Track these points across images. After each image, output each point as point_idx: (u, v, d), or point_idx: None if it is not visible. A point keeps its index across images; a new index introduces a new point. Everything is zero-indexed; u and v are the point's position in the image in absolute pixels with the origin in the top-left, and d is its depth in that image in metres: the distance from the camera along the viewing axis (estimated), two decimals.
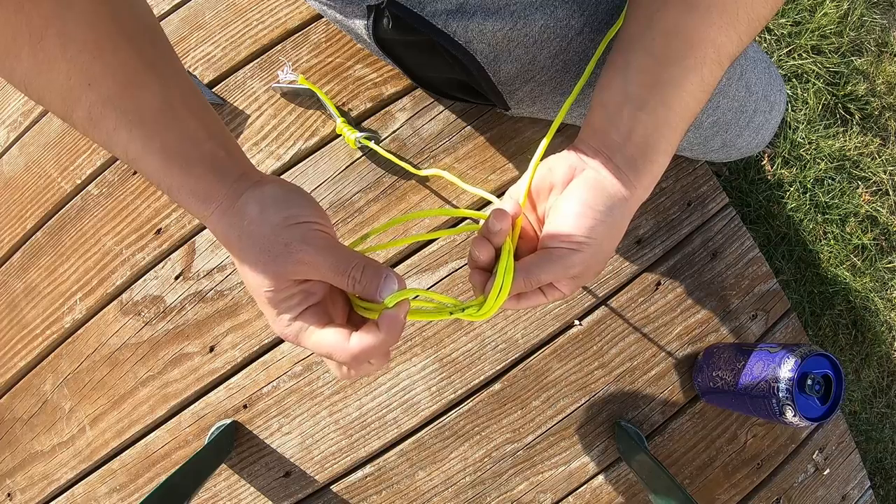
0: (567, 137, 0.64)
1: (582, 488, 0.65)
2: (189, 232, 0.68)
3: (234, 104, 0.68)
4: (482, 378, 0.65)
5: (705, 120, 0.51)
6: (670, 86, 0.32)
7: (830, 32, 1.03)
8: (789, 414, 0.51)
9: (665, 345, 0.66)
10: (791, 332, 0.68)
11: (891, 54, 1.07)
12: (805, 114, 1.03)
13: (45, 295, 0.71)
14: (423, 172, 0.62)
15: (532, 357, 0.66)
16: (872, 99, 1.04)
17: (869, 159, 1.04)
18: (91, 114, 0.27)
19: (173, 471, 0.56)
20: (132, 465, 0.68)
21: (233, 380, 0.67)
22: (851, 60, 1.05)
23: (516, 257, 0.34)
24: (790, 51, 1.03)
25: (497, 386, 0.65)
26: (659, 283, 0.66)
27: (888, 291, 1.03)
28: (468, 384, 0.65)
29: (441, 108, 0.67)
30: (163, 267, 0.69)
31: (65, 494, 0.69)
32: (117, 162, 0.71)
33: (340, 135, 0.66)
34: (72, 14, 0.25)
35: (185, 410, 0.67)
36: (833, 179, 1.02)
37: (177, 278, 0.68)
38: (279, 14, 0.69)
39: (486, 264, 0.34)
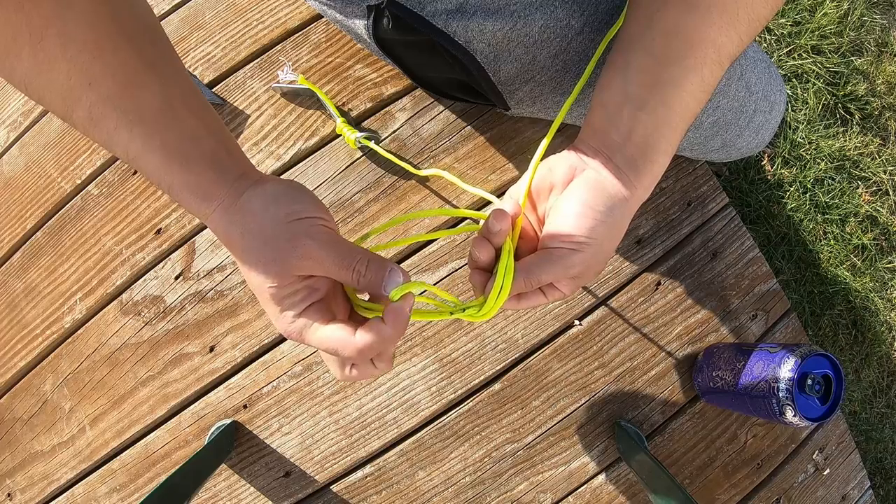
0: (567, 137, 0.64)
1: (582, 488, 0.65)
2: (189, 232, 0.68)
3: (234, 104, 0.68)
4: (482, 378, 0.65)
5: (705, 120, 0.51)
6: (670, 86, 0.32)
7: (830, 32, 1.03)
8: (789, 414, 0.51)
9: (665, 345, 0.66)
10: (791, 332, 0.68)
11: (891, 54, 1.07)
12: (805, 114, 1.03)
13: (45, 295, 0.71)
14: (423, 172, 0.62)
15: (532, 357, 0.66)
16: (872, 99, 1.04)
17: (869, 159, 1.04)
18: (91, 113, 0.27)
19: (173, 471, 0.56)
20: (132, 465, 0.68)
21: (233, 380, 0.67)
22: (851, 60, 1.05)
23: (516, 257, 0.34)
24: (790, 51, 1.03)
25: (497, 386, 0.65)
26: (659, 283, 0.66)
27: (888, 291, 1.03)
28: (468, 384, 0.65)
29: (441, 108, 0.67)
30: (163, 267, 0.69)
31: (65, 494, 0.69)
32: (117, 162, 0.71)
33: (340, 135, 0.66)
34: (72, 14, 0.25)
35: (185, 410, 0.67)
36: (833, 179, 1.02)
37: (177, 278, 0.68)
38: (279, 14, 0.69)
39: (487, 264, 0.34)
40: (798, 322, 0.69)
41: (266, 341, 0.66)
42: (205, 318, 0.67)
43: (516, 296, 0.35)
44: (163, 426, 0.68)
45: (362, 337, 0.28)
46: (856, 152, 1.03)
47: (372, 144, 0.63)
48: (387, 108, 0.67)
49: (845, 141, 1.03)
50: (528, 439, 0.65)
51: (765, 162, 1.01)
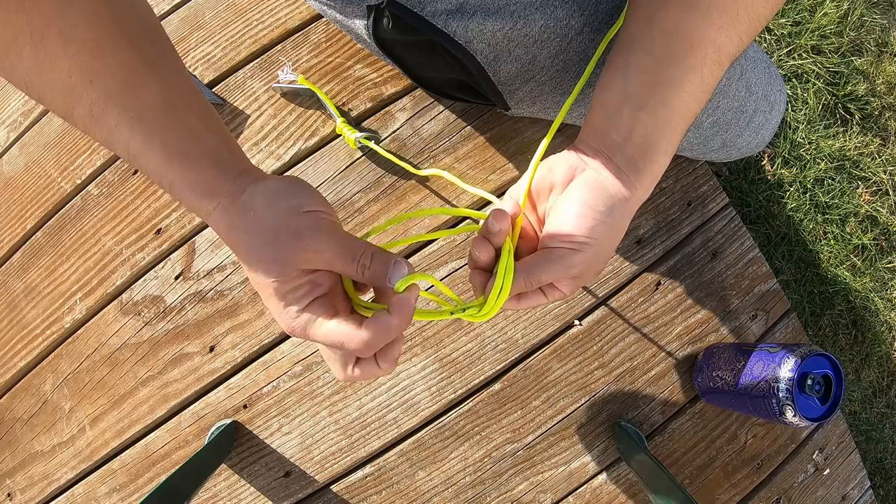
0: (567, 137, 0.64)
1: (582, 488, 0.65)
2: (189, 232, 0.68)
3: (234, 104, 0.68)
4: (482, 378, 0.65)
5: (705, 120, 0.51)
6: (670, 86, 0.32)
7: (830, 32, 1.03)
8: (789, 414, 0.51)
9: (665, 345, 0.66)
10: (791, 332, 0.68)
11: (891, 54, 1.07)
12: (805, 114, 1.03)
13: (45, 295, 0.71)
14: (423, 172, 0.62)
15: (532, 357, 0.66)
16: (872, 99, 1.04)
17: (869, 159, 1.04)
18: (92, 111, 0.27)
19: (173, 471, 0.56)
20: (132, 465, 0.68)
21: (233, 380, 0.67)
22: (851, 60, 1.05)
23: (516, 257, 0.34)
24: (790, 51, 1.03)
25: (497, 386, 0.65)
26: (659, 283, 0.66)
27: (888, 291, 1.03)
28: (468, 384, 0.65)
29: (441, 108, 0.67)
30: (163, 267, 0.69)
31: (65, 494, 0.69)
32: (117, 162, 0.71)
33: (340, 135, 0.66)
34: (72, 13, 0.26)
35: (185, 410, 0.67)
36: (833, 179, 1.02)
37: (177, 278, 0.68)
38: (279, 14, 0.69)
39: (487, 265, 0.34)
40: (798, 322, 0.69)
41: (266, 341, 0.66)
42: (205, 318, 0.67)
43: (516, 296, 0.35)
44: (163, 426, 0.68)
45: (368, 328, 0.27)
46: (856, 152, 1.03)
47: (372, 144, 0.63)
48: (387, 108, 0.67)
49: (845, 141, 1.03)
50: (528, 439, 0.65)
51: (765, 162, 1.01)
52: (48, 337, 0.70)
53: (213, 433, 0.66)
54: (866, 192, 1.04)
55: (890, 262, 1.03)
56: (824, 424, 0.68)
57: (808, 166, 1.01)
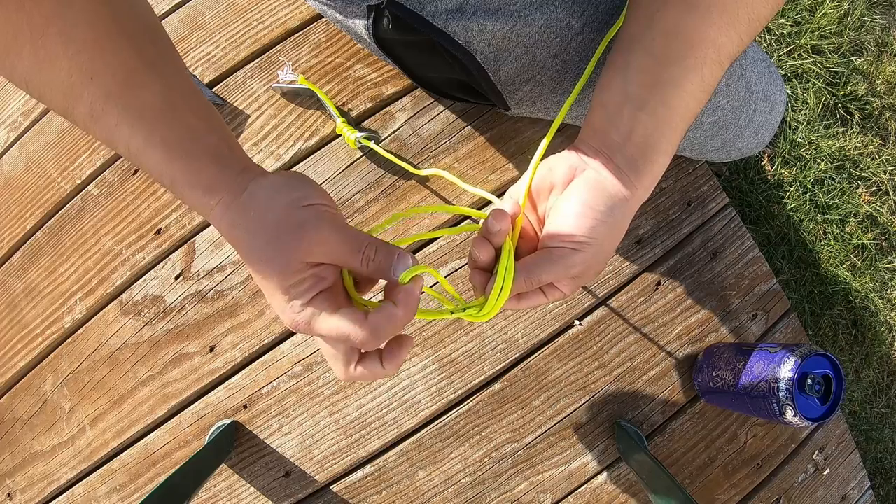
0: (567, 137, 0.64)
1: (582, 488, 0.65)
2: (189, 232, 0.68)
3: (234, 104, 0.68)
4: (482, 378, 0.65)
5: (705, 120, 0.51)
6: (670, 86, 0.32)
7: (830, 32, 1.03)
8: (789, 414, 0.51)
9: (665, 345, 0.66)
10: (791, 332, 0.68)
11: (891, 54, 1.07)
12: (805, 114, 1.03)
13: (45, 295, 0.71)
14: (423, 172, 0.62)
15: (532, 357, 0.66)
16: (872, 99, 1.04)
17: (869, 159, 1.04)
18: (93, 110, 0.27)
19: (173, 471, 0.56)
20: (132, 465, 0.68)
21: (233, 380, 0.67)
22: (851, 60, 1.05)
23: (517, 257, 0.34)
24: (790, 51, 1.04)
25: (497, 386, 0.65)
26: (659, 283, 0.66)
27: (888, 291, 1.03)
28: (468, 384, 0.65)
29: (441, 108, 0.67)
30: (163, 267, 0.69)
31: (65, 494, 0.69)
32: (117, 162, 0.71)
33: (340, 135, 0.66)
34: (72, 13, 0.26)
35: (185, 410, 0.67)
36: (833, 179, 1.02)
37: (177, 278, 0.68)
38: (279, 14, 0.69)
39: (487, 265, 0.34)
40: (798, 322, 0.69)
41: (266, 341, 0.66)
42: (205, 318, 0.67)
43: (517, 296, 0.35)
44: (163, 426, 0.68)
45: (374, 319, 0.27)
46: (856, 152, 1.03)
47: (372, 144, 0.63)
48: (387, 108, 0.67)
49: (845, 141, 1.03)
50: (528, 439, 0.65)
51: (765, 162, 1.01)
52: (48, 337, 0.70)
53: (213, 433, 0.66)
54: (866, 192, 1.04)
55: (890, 262, 1.03)
56: (824, 424, 0.68)
57: (808, 166, 1.01)
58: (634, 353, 0.66)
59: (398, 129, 0.67)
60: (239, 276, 0.67)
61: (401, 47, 0.52)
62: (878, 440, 1.01)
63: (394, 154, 0.64)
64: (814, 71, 1.03)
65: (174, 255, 0.68)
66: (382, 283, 0.31)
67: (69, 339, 0.70)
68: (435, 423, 0.65)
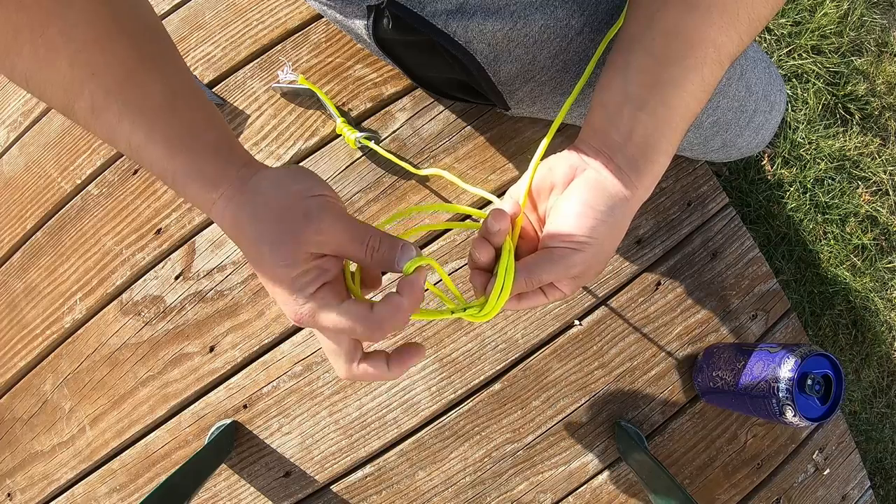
0: (567, 137, 0.64)
1: (582, 488, 0.65)
2: (189, 232, 0.68)
3: (234, 104, 0.68)
4: (482, 378, 0.65)
5: (705, 120, 0.51)
6: (670, 86, 0.32)
7: (830, 32, 1.03)
8: (789, 414, 0.51)
9: (665, 345, 0.66)
10: (791, 332, 0.68)
11: (891, 54, 1.07)
12: (805, 114, 1.03)
13: (45, 295, 0.71)
14: (423, 172, 0.61)
15: (532, 357, 0.66)
16: (872, 99, 1.04)
17: (869, 159, 1.04)
18: (93, 107, 0.27)
19: (173, 471, 0.56)
20: (132, 465, 0.68)
21: (233, 380, 0.67)
22: (851, 60, 1.05)
23: (517, 257, 0.34)
24: (790, 51, 1.04)
25: (497, 386, 0.65)
26: (659, 283, 0.66)
27: (888, 291, 1.03)
28: (468, 384, 0.65)
29: (441, 108, 0.67)
30: (163, 267, 0.69)
31: (65, 494, 0.69)
32: (117, 162, 0.71)
33: (340, 135, 0.66)
34: (72, 12, 0.26)
35: (185, 410, 0.67)
36: (833, 179, 1.02)
37: (177, 278, 0.68)
38: (279, 14, 0.69)
39: (487, 265, 0.34)
40: (798, 322, 0.69)
41: (266, 341, 0.66)
42: (205, 318, 0.67)
43: (517, 296, 0.35)
44: (163, 426, 0.68)
45: (379, 309, 0.27)
46: (856, 152, 1.03)
47: (372, 144, 0.63)
48: (387, 108, 0.67)
49: (845, 141, 1.03)
50: (528, 439, 0.65)
51: (765, 162, 1.01)
52: (48, 337, 0.70)
53: (213, 433, 0.66)
54: (866, 192, 1.04)
55: (890, 262, 1.03)
56: (824, 424, 0.68)
57: (808, 166, 1.01)
58: (634, 353, 0.66)
59: (398, 129, 0.67)
60: (239, 276, 0.67)
61: (401, 47, 0.52)
62: (878, 440, 1.01)
63: (394, 154, 0.64)
64: (814, 71, 1.03)
65: (174, 255, 0.68)
66: (381, 284, 0.31)
67: (69, 339, 0.70)
68: (435, 423, 0.65)
